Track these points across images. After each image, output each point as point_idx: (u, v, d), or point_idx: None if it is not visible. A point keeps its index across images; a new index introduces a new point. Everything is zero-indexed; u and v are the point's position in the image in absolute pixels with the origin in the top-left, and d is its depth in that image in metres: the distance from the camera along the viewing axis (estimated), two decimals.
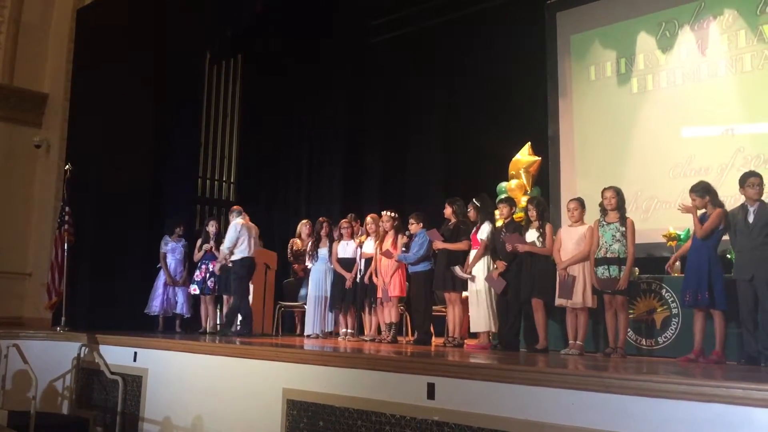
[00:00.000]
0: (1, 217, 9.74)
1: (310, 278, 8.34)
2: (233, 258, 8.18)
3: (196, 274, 8.83)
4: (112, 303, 8.91)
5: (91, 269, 9.08)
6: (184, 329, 8.93)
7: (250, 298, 8.73)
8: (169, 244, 8.95)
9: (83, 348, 7.95)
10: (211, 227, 8.93)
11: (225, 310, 8.73)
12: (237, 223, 8.28)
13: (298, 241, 9.10)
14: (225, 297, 8.70)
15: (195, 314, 9.02)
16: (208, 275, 8.67)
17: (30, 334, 8.32)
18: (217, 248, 8.60)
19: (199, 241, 8.93)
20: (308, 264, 8.55)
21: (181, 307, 8.90)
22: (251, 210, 11.55)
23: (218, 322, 8.85)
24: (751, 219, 5.46)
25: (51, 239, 9.06)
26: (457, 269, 6.89)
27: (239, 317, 8.25)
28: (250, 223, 8.47)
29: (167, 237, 8.98)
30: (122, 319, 8.78)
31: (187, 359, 6.89)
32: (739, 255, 5.57)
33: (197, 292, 8.76)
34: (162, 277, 8.90)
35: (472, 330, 6.95)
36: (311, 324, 8.20)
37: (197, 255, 8.84)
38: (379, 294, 7.61)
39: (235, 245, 8.16)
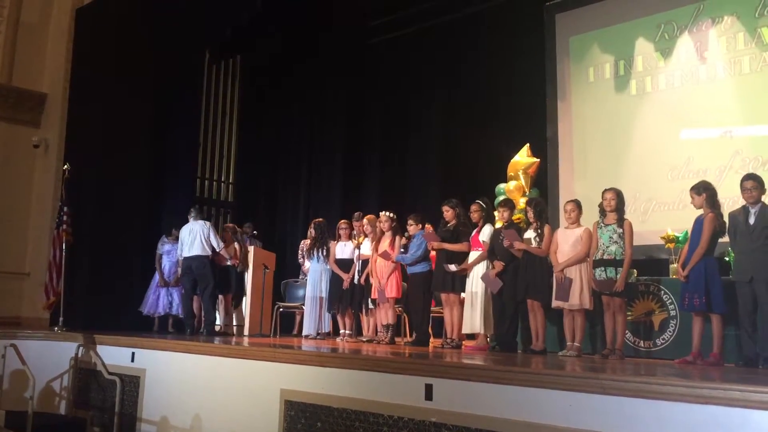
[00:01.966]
0: (0, 216, 9.73)
1: (308, 278, 8.35)
2: None
3: None
4: (110, 303, 8.91)
5: (90, 269, 9.08)
6: (176, 329, 8.91)
7: (249, 298, 8.76)
8: (165, 246, 8.94)
9: (81, 348, 7.94)
10: None
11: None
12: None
13: (309, 242, 9.08)
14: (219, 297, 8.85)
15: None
16: None
17: (28, 334, 8.31)
18: None
19: None
20: (306, 264, 8.56)
21: (176, 307, 8.88)
22: (250, 210, 11.65)
23: (218, 323, 8.87)
24: (752, 221, 5.45)
25: (49, 239, 9.06)
26: (450, 266, 6.88)
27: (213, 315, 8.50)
28: (197, 222, 8.50)
29: (164, 238, 8.98)
30: (120, 319, 8.79)
31: (184, 360, 6.88)
32: (738, 257, 5.55)
33: None
34: (157, 277, 8.90)
35: (464, 331, 6.93)
36: (308, 324, 8.21)
37: None
38: (374, 295, 7.61)
39: (181, 249, 8.50)
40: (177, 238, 8.89)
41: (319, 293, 8.18)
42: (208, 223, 8.61)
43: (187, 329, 8.43)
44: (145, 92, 9.63)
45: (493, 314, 6.70)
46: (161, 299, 8.86)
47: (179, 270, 8.77)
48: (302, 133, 12.26)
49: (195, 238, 8.34)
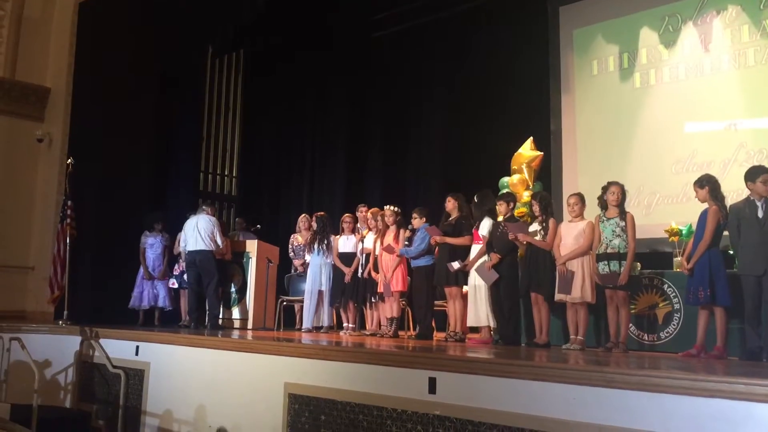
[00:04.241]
0: (4, 210, 9.74)
1: (308, 272, 8.35)
2: None
3: (174, 267, 8.86)
4: (114, 297, 8.94)
5: (93, 263, 9.11)
6: (162, 322, 8.94)
7: (253, 292, 8.82)
8: (148, 239, 8.97)
9: (85, 342, 7.97)
10: None
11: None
12: None
13: (298, 236, 9.10)
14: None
15: (177, 307, 9.08)
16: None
17: (32, 327, 8.34)
18: None
19: (179, 235, 8.94)
20: (307, 257, 8.56)
21: (162, 300, 8.91)
22: (253, 204, 11.66)
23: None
24: (760, 214, 5.41)
25: (53, 233, 9.08)
26: (453, 264, 6.87)
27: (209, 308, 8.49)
28: (201, 216, 8.50)
29: (146, 231, 9.00)
30: (124, 312, 8.82)
31: (188, 353, 6.90)
32: (746, 250, 5.47)
33: (176, 286, 8.80)
34: (142, 271, 8.94)
35: (468, 324, 6.95)
36: (307, 318, 8.22)
37: (177, 249, 8.89)
38: (380, 288, 7.61)
39: (185, 243, 8.51)
40: (160, 232, 8.99)
41: (319, 287, 8.18)
42: (213, 219, 8.58)
43: (191, 323, 8.46)
44: (149, 86, 9.64)
45: (491, 307, 6.70)
46: (146, 293, 8.88)
47: (164, 263, 8.89)
48: (305, 127, 12.25)
49: (200, 232, 8.35)
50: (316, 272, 8.23)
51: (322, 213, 8.63)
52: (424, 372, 4.87)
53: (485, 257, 6.77)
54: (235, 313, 9.03)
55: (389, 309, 7.57)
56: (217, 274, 8.40)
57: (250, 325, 8.80)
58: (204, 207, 8.72)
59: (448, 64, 10.98)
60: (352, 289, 7.99)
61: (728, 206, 5.71)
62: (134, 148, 9.43)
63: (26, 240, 10.09)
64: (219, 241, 8.42)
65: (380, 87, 11.72)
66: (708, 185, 5.71)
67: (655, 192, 8.50)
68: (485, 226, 6.85)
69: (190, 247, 8.41)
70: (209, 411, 6.53)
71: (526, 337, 6.76)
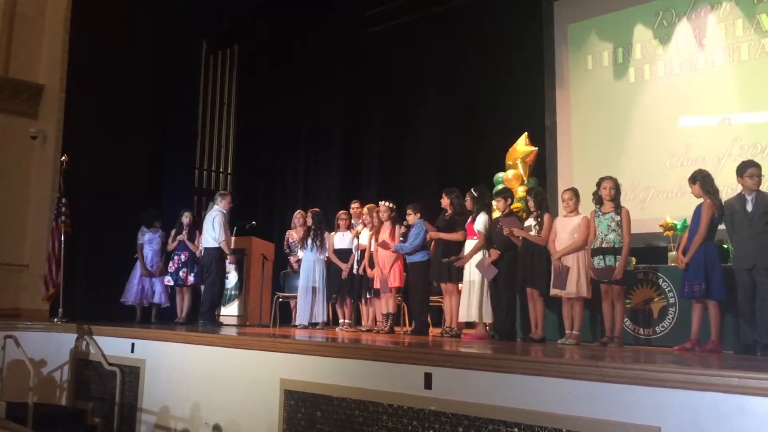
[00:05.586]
0: None
1: (301, 268, 8.34)
2: None
3: (169, 264, 8.83)
4: (109, 294, 8.92)
5: (88, 260, 9.09)
6: (159, 319, 8.93)
7: (248, 288, 8.82)
8: (146, 235, 8.96)
9: (80, 339, 7.96)
10: (185, 218, 8.90)
11: None
12: None
13: (293, 233, 9.09)
14: None
15: (173, 303, 9.07)
16: (180, 266, 8.73)
17: (27, 325, 8.31)
18: (190, 239, 8.76)
19: (173, 232, 8.93)
20: (300, 254, 8.56)
21: (159, 296, 8.91)
22: (248, 200, 11.65)
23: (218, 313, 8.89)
24: (749, 208, 5.43)
25: (48, 231, 9.04)
26: (450, 259, 6.88)
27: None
28: (209, 213, 8.47)
29: (144, 227, 8.98)
30: (119, 310, 8.80)
31: (184, 350, 6.89)
32: (739, 244, 5.51)
33: (172, 283, 8.79)
34: (139, 267, 8.92)
35: (460, 319, 6.94)
36: (301, 314, 8.22)
37: (171, 245, 8.88)
38: (376, 284, 7.61)
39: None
40: (157, 228, 8.99)
41: (312, 283, 8.16)
42: (216, 211, 8.43)
43: (187, 320, 8.44)
44: (143, 83, 9.61)
45: (490, 303, 6.70)
46: (146, 289, 8.88)
47: (162, 259, 8.93)
48: (300, 123, 12.23)
49: (206, 230, 8.33)
50: (309, 268, 8.21)
51: (317, 209, 8.62)
52: (419, 367, 4.88)
53: (481, 253, 6.76)
54: (231, 309, 9.03)
55: (385, 305, 7.57)
56: (215, 271, 8.34)
57: (246, 322, 8.79)
58: (218, 198, 8.58)
59: (443, 59, 10.98)
60: (348, 285, 7.99)
61: (723, 201, 5.73)
62: (129, 145, 9.41)
63: (20, 237, 10.04)
64: (218, 235, 8.26)
65: (374, 83, 11.72)
66: (700, 180, 5.73)
67: (650, 186, 8.53)
68: (481, 221, 6.84)
69: (203, 244, 8.44)
70: (205, 408, 6.53)
71: (522, 332, 6.77)
